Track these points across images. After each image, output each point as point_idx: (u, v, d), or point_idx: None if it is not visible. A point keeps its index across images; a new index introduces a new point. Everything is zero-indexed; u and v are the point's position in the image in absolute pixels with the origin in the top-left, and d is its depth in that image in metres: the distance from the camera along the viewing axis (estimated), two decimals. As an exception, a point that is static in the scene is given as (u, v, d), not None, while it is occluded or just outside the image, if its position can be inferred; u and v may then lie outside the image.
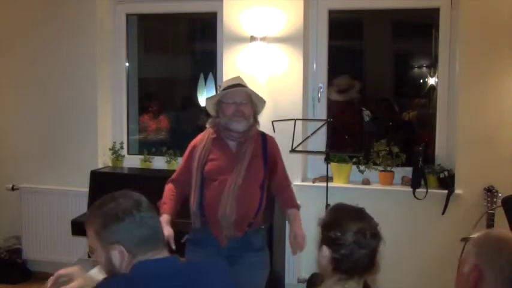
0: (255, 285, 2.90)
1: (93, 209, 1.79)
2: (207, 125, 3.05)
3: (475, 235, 1.66)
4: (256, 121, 2.98)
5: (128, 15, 4.76)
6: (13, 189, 4.73)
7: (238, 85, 2.93)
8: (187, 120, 5.13)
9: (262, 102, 3.01)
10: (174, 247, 2.73)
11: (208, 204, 2.87)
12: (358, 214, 1.91)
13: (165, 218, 2.84)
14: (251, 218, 2.89)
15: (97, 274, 2.21)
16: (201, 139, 2.99)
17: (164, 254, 1.74)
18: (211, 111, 3.00)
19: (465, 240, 1.79)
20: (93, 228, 1.74)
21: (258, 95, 2.98)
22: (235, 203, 2.82)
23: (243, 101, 2.89)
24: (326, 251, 1.86)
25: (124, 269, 1.68)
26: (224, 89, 2.94)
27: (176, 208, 2.95)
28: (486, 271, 1.56)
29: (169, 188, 3.00)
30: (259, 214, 2.95)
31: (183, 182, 2.98)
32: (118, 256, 1.68)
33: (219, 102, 2.93)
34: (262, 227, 3.04)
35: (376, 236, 1.84)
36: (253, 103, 2.95)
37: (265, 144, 3.01)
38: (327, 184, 3.80)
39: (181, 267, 1.75)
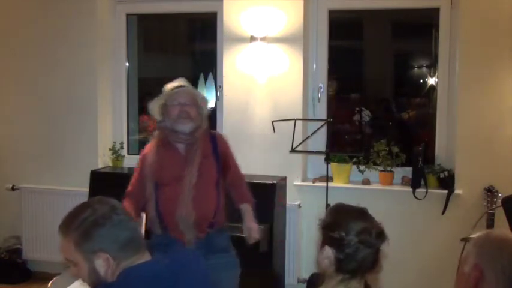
0: (225, 287, 2.87)
1: (67, 220, 1.69)
2: (155, 132, 3.05)
3: (476, 235, 1.65)
4: (203, 121, 2.97)
5: (128, 15, 4.77)
6: (13, 189, 4.73)
7: (181, 86, 2.94)
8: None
9: (207, 102, 3.00)
10: None
11: (165, 210, 2.87)
12: (360, 213, 1.90)
13: None
14: (210, 218, 2.88)
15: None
16: (150, 147, 2.99)
17: (147, 256, 1.72)
18: (157, 115, 2.96)
19: (465, 240, 1.79)
20: (71, 240, 1.66)
21: (202, 95, 2.99)
22: (192, 204, 2.82)
23: (187, 102, 2.89)
24: (329, 251, 1.85)
25: (109, 277, 1.63)
26: (168, 92, 2.93)
27: (136, 213, 2.96)
28: (487, 271, 1.55)
29: (125, 204, 2.97)
30: (219, 213, 2.94)
31: (137, 193, 2.96)
32: (103, 264, 1.63)
33: (164, 105, 2.92)
34: (225, 227, 3.02)
35: (381, 235, 1.84)
36: (198, 104, 2.94)
37: (215, 142, 3.00)
38: (327, 184, 3.80)
39: (165, 267, 1.72)
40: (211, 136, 3.02)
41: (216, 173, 2.95)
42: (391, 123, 3.99)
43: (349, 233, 1.82)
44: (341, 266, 1.83)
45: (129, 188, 3.03)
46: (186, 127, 2.86)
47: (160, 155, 2.92)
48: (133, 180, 3.02)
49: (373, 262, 1.85)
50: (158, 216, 2.89)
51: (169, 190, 2.86)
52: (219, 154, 2.99)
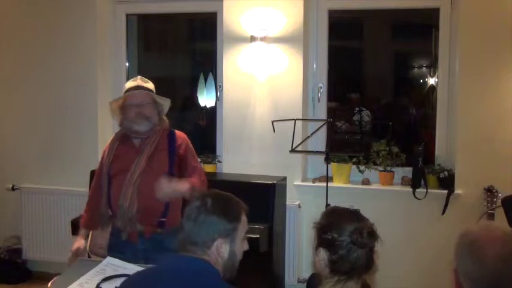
0: None
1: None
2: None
3: (463, 232, 1.65)
4: (161, 119, 3.00)
5: (128, 15, 4.77)
6: (13, 189, 4.73)
7: (138, 87, 2.96)
8: (187, 119, 5.13)
9: (166, 100, 3.03)
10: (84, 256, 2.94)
11: (113, 201, 2.92)
12: (352, 215, 1.92)
13: (81, 232, 3.06)
14: (158, 213, 2.88)
15: None
16: (107, 145, 3.06)
17: None
18: (116, 113, 3.04)
19: None
20: None
21: (158, 96, 3.01)
22: (136, 194, 2.83)
23: (143, 102, 2.93)
24: (323, 253, 1.86)
25: None
26: (126, 91, 2.97)
27: (92, 218, 3.05)
28: (460, 275, 1.58)
29: (87, 202, 3.11)
30: (171, 212, 2.91)
31: (97, 188, 3.04)
32: None
33: (122, 105, 2.98)
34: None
35: (372, 235, 1.85)
36: (156, 102, 2.98)
37: (173, 138, 3.02)
38: (327, 184, 3.80)
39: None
40: (170, 132, 3.04)
41: (167, 166, 2.94)
42: (391, 123, 3.98)
43: (342, 234, 1.84)
44: (335, 267, 1.84)
45: (92, 183, 3.15)
46: (141, 127, 2.92)
47: (116, 148, 2.99)
48: (95, 175, 3.10)
49: (367, 262, 1.85)
50: (109, 207, 2.95)
51: (118, 180, 2.90)
52: (175, 149, 2.99)
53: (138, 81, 3.01)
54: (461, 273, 1.57)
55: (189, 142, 3.09)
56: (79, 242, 3.00)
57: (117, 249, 2.89)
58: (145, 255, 2.83)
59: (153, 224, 2.89)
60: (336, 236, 1.83)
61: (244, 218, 1.92)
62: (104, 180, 2.96)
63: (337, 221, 1.89)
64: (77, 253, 2.95)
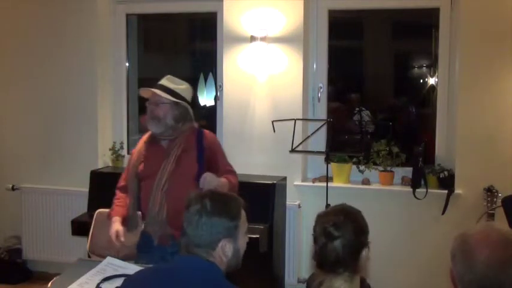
0: None
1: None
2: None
3: (461, 233, 1.65)
4: (185, 122, 2.95)
5: (128, 15, 4.76)
6: (13, 189, 4.73)
7: (157, 85, 2.93)
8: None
9: (185, 98, 2.96)
10: (122, 239, 2.82)
11: (143, 205, 2.90)
12: (334, 209, 1.98)
13: (114, 219, 2.92)
14: None
15: None
16: (137, 146, 3.05)
17: None
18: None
19: None
20: None
21: (179, 93, 2.94)
22: (165, 199, 2.82)
23: (157, 102, 2.90)
24: (312, 247, 1.97)
25: None
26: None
27: (125, 212, 2.98)
28: (455, 276, 1.59)
29: (116, 198, 3.05)
30: None
31: (127, 187, 3.03)
32: None
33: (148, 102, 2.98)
34: None
35: (337, 225, 1.88)
36: (177, 103, 2.91)
37: (201, 138, 2.97)
38: (327, 184, 3.80)
39: None
40: (198, 132, 3.00)
41: (196, 167, 2.90)
42: (391, 123, 3.98)
43: (316, 227, 1.93)
44: (318, 259, 1.91)
45: (120, 182, 3.09)
46: (155, 128, 2.91)
47: (145, 149, 2.96)
48: (123, 175, 3.08)
49: (346, 256, 1.87)
50: (140, 210, 2.92)
51: (148, 183, 2.88)
52: (204, 148, 2.95)
53: (164, 80, 2.98)
54: (455, 275, 1.58)
55: (219, 143, 3.08)
56: (116, 225, 2.86)
57: (146, 250, 2.88)
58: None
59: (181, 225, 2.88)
60: (316, 228, 1.93)
61: (243, 213, 1.93)
62: (133, 182, 2.94)
63: (321, 214, 1.97)
64: (118, 235, 2.83)
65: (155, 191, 2.83)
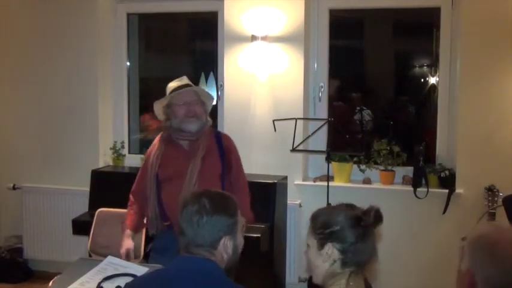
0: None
1: None
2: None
3: (472, 232, 1.65)
4: (207, 119, 2.99)
5: (128, 15, 4.77)
6: (14, 188, 4.73)
7: (186, 85, 2.94)
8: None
9: (211, 99, 3.02)
10: (133, 258, 2.85)
11: (168, 206, 2.87)
12: (346, 206, 1.98)
13: (127, 233, 2.96)
14: None
15: None
16: (154, 145, 3.01)
17: None
18: (160, 115, 2.99)
19: (465, 239, 1.78)
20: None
21: (206, 93, 3.00)
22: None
23: (193, 101, 2.90)
24: (331, 248, 1.89)
25: None
26: (172, 91, 2.92)
27: (139, 220, 3.02)
28: (477, 277, 1.57)
29: (129, 204, 3.04)
30: None
31: (141, 192, 2.99)
32: None
33: (168, 105, 2.93)
34: None
35: (378, 215, 1.93)
36: (202, 102, 2.96)
37: (220, 139, 3.01)
38: (328, 183, 3.80)
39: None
40: (216, 133, 3.03)
41: (220, 166, 2.95)
42: (392, 123, 3.98)
43: (341, 223, 1.88)
44: (348, 258, 1.84)
45: (133, 187, 3.06)
46: (193, 126, 2.88)
47: (164, 151, 2.93)
48: (137, 179, 3.06)
49: (373, 249, 1.86)
50: (161, 213, 2.89)
51: (173, 185, 2.86)
52: (224, 150, 2.99)
53: (185, 80, 2.99)
54: (479, 278, 1.56)
55: (235, 146, 3.08)
56: (128, 243, 2.93)
57: (164, 250, 2.84)
58: None
59: None
60: (339, 226, 1.87)
61: (238, 210, 1.94)
62: (152, 184, 2.90)
63: (332, 213, 1.94)
64: (128, 255, 2.91)
65: (186, 190, 2.79)
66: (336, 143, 4.07)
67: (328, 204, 3.69)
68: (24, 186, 4.71)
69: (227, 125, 4.32)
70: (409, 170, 4.11)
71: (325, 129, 4.17)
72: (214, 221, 1.83)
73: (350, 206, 1.95)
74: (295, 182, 4.23)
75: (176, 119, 2.89)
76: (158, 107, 2.96)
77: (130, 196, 3.06)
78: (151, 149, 3.00)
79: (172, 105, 2.90)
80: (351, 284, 1.82)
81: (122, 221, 3.09)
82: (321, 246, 1.89)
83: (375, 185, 4.18)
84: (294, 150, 3.84)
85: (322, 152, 3.97)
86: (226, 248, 1.85)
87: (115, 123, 4.78)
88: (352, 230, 1.85)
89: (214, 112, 4.61)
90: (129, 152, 4.82)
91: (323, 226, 1.91)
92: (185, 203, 1.88)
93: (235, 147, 3.08)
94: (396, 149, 4.13)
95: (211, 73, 4.72)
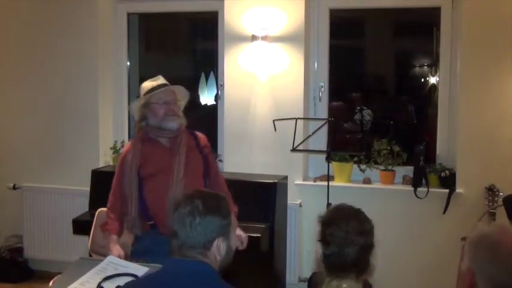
0: None
1: None
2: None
3: (473, 232, 1.65)
4: (184, 117, 3.01)
5: (129, 14, 4.77)
6: (14, 188, 4.73)
7: (163, 85, 2.95)
8: (188, 119, 5.13)
9: (187, 97, 3.05)
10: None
11: (154, 204, 2.86)
12: (353, 214, 1.94)
13: (113, 239, 2.90)
14: None
15: None
16: (129, 146, 2.98)
17: None
18: (136, 115, 2.98)
19: (466, 239, 1.78)
20: None
21: (183, 92, 3.03)
22: (186, 191, 2.82)
23: (172, 100, 2.93)
24: (319, 247, 1.90)
25: None
26: (150, 91, 2.93)
27: (121, 224, 2.96)
28: (478, 277, 1.57)
29: (109, 207, 3.00)
30: None
31: (121, 194, 2.95)
32: None
33: (146, 104, 2.92)
34: None
35: (362, 234, 1.87)
36: (180, 101, 3.00)
37: (197, 140, 3.04)
38: (328, 183, 3.80)
39: None
40: (192, 133, 3.05)
41: (202, 165, 2.98)
42: (392, 123, 3.97)
43: (336, 230, 1.88)
44: (328, 262, 1.89)
45: (112, 190, 3.01)
46: (174, 124, 2.90)
47: (143, 149, 2.92)
48: (115, 180, 3.00)
49: (359, 262, 1.87)
50: (144, 212, 2.88)
51: (157, 183, 2.86)
52: (201, 149, 3.02)
53: (161, 79, 3.00)
54: (480, 277, 1.56)
55: (209, 145, 3.12)
56: (117, 251, 2.86)
57: (147, 252, 2.80)
58: None
59: None
60: (331, 231, 1.88)
61: (232, 211, 1.94)
62: (133, 183, 2.88)
63: (337, 217, 1.93)
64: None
65: (175, 185, 2.82)
66: (336, 142, 4.07)
67: (329, 204, 3.69)
68: (24, 186, 4.71)
69: (227, 125, 4.32)
70: (409, 170, 4.11)
71: (325, 129, 4.17)
72: (207, 222, 1.81)
73: (353, 214, 1.96)
74: (296, 182, 4.23)
75: (156, 118, 2.90)
76: (136, 105, 2.96)
77: (110, 200, 3.00)
78: (127, 152, 2.96)
79: (151, 104, 2.91)
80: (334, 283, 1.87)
81: (101, 225, 3.06)
82: (317, 240, 1.96)
83: (375, 185, 4.18)
84: (294, 150, 3.84)
85: (323, 151, 3.97)
86: (220, 249, 1.83)
87: (115, 122, 4.78)
88: (336, 240, 1.89)
89: (214, 112, 4.62)
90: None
91: (321, 223, 1.96)
92: (177, 205, 1.86)
93: (209, 146, 3.12)
94: (396, 148, 4.13)
95: (212, 73, 4.72)
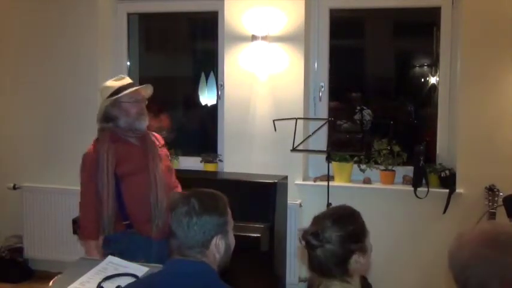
0: None
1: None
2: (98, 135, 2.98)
3: (457, 235, 1.65)
4: None
5: (129, 14, 4.77)
6: (14, 188, 4.73)
7: (132, 84, 2.96)
8: (188, 119, 5.13)
9: (150, 94, 3.06)
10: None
11: (132, 203, 2.85)
12: (326, 215, 1.97)
13: (93, 244, 2.87)
14: None
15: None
16: (97, 150, 2.89)
17: None
18: (101, 115, 2.94)
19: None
20: None
21: (149, 90, 3.05)
22: (163, 188, 2.86)
23: (141, 99, 2.96)
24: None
25: None
26: (118, 90, 2.90)
27: (98, 228, 2.89)
28: (455, 277, 1.58)
29: (83, 212, 2.92)
30: None
31: (93, 196, 2.87)
32: None
33: (115, 104, 2.88)
34: None
35: (316, 237, 1.90)
36: (146, 100, 3.03)
37: (156, 137, 3.09)
38: (328, 183, 3.80)
39: None
40: (149, 132, 3.09)
41: (169, 162, 3.08)
42: (392, 123, 3.97)
43: (306, 233, 1.99)
44: (309, 264, 1.95)
45: (83, 193, 2.93)
46: (144, 124, 2.93)
47: (116, 150, 2.87)
48: (84, 183, 2.92)
49: (330, 264, 1.89)
50: (120, 212, 2.86)
51: (136, 180, 2.86)
52: (161, 147, 3.10)
53: (128, 79, 3.02)
54: (455, 276, 1.56)
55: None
56: (97, 255, 2.81)
57: (124, 253, 2.68)
58: (158, 256, 2.72)
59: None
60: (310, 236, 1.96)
61: (228, 208, 1.93)
62: (110, 183, 2.83)
63: (313, 218, 1.99)
64: None
65: (156, 183, 2.83)
66: (335, 142, 4.07)
67: (329, 204, 3.69)
68: (24, 186, 4.71)
69: (227, 125, 4.32)
70: (409, 170, 4.11)
71: (325, 129, 4.17)
72: (204, 221, 1.81)
73: (314, 221, 1.99)
74: (296, 182, 4.23)
75: (128, 117, 2.89)
76: (105, 105, 2.91)
77: (82, 204, 2.93)
78: (94, 156, 2.88)
79: (122, 103, 2.89)
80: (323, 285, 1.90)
81: (77, 228, 3.04)
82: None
83: (375, 185, 4.18)
84: (294, 150, 3.84)
85: (323, 151, 3.97)
86: (219, 248, 1.84)
87: (115, 123, 4.78)
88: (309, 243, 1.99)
89: (214, 112, 4.62)
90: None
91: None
92: (174, 205, 1.86)
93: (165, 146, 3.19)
94: (396, 148, 4.13)
95: (212, 73, 4.72)
